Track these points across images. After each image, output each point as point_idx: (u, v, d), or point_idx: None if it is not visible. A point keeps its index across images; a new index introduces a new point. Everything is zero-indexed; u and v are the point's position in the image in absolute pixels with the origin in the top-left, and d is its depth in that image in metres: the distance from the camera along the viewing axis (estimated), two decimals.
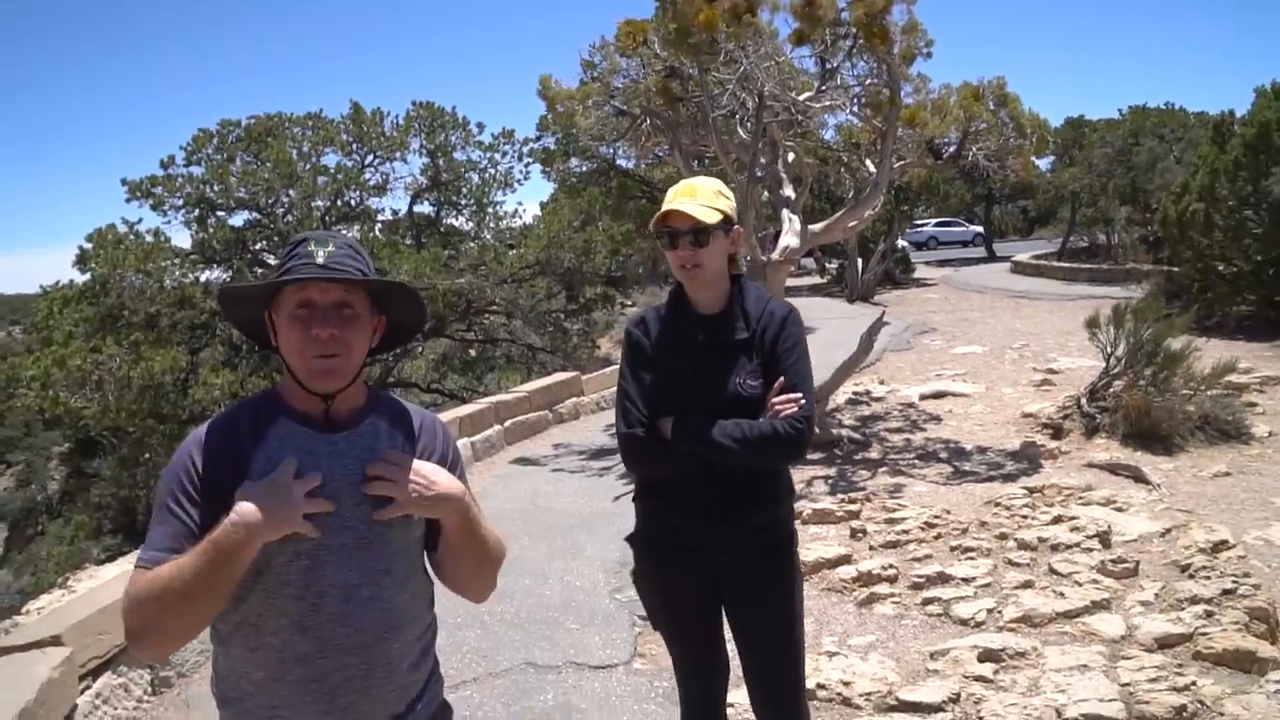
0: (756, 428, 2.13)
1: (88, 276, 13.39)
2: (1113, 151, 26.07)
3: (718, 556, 2.26)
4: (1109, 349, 7.82)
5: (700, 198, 2.21)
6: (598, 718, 3.61)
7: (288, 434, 1.52)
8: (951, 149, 9.09)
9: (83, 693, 3.47)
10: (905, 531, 5.39)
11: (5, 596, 14.13)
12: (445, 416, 8.78)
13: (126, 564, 5.33)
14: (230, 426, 1.53)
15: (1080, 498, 5.86)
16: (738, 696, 2.76)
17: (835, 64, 8.61)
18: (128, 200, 14.33)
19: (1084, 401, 7.83)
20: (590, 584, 5.15)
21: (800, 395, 2.15)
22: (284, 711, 1.51)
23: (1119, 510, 5.62)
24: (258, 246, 15.01)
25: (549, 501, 6.98)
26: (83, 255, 13.22)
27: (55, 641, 3.41)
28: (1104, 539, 4.98)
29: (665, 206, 2.23)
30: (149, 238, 13.66)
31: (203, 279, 14.49)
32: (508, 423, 9.35)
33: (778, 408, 2.14)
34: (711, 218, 2.18)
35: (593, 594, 4.99)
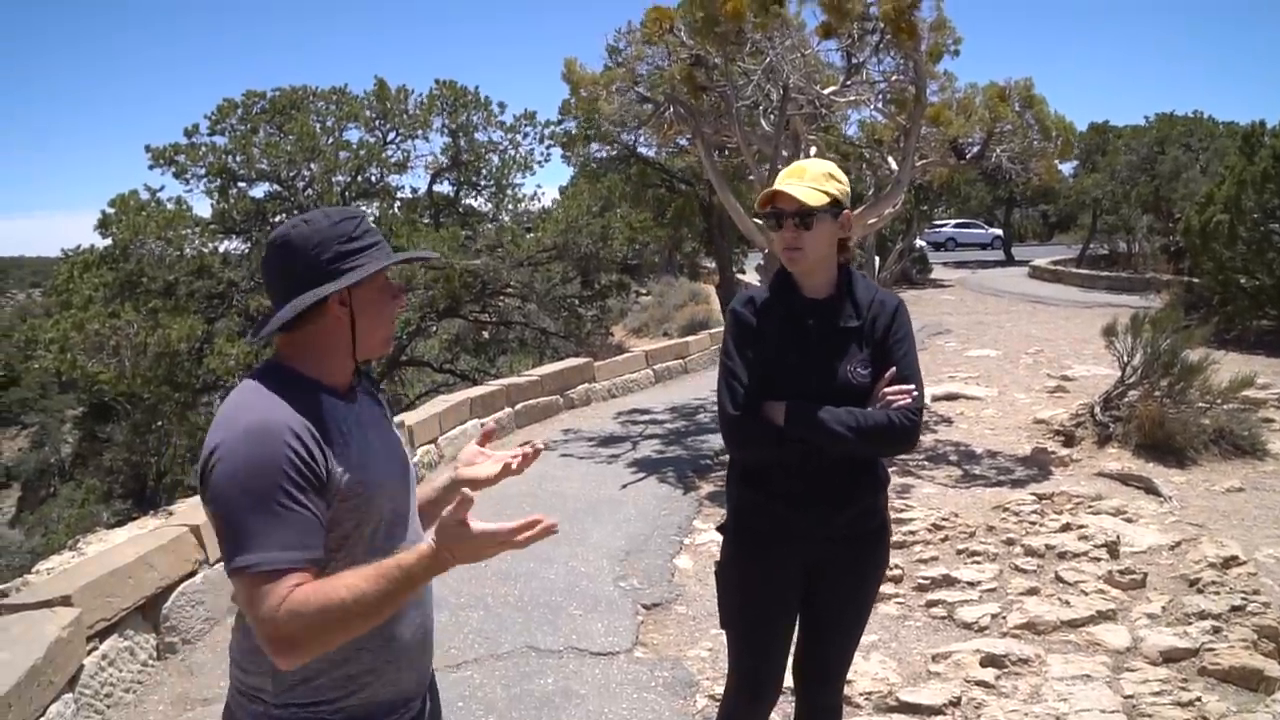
0: (871, 417, 2.11)
1: (109, 242, 13.43)
2: (1137, 159, 25.83)
3: (818, 544, 2.25)
4: (1125, 358, 7.75)
5: (808, 179, 2.18)
6: (597, 704, 3.62)
7: (333, 408, 1.52)
8: (975, 149, 9.03)
9: (89, 654, 3.51)
10: (912, 532, 5.37)
11: (16, 556, 14.31)
12: (457, 397, 8.81)
13: (136, 529, 5.37)
14: (307, 410, 1.46)
15: (1090, 507, 5.83)
16: None
17: (861, 59, 8.54)
18: (150, 167, 14.38)
19: (1097, 410, 7.76)
20: (595, 570, 5.16)
21: (913, 386, 2.15)
22: (366, 677, 1.51)
23: (1129, 521, 5.58)
24: (277, 219, 15.03)
25: (556, 486, 6.99)
26: (105, 220, 13.27)
27: (65, 602, 3.44)
28: (1112, 549, 4.95)
29: (773, 188, 2.20)
30: (171, 205, 13.71)
31: (221, 249, 14.56)
32: (518, 406, 9.37)
33: (890, 398, 2.13)
34: (817, 200, 2.14)
35: (597, 580, 5.00)
